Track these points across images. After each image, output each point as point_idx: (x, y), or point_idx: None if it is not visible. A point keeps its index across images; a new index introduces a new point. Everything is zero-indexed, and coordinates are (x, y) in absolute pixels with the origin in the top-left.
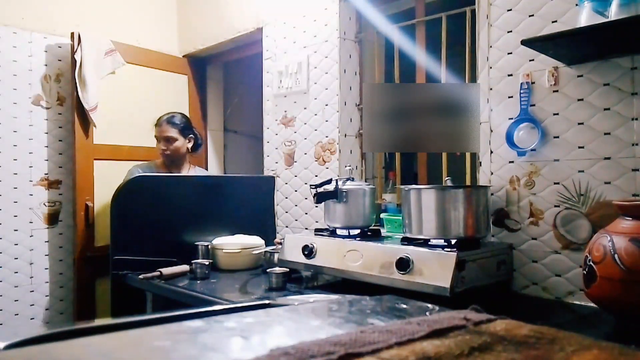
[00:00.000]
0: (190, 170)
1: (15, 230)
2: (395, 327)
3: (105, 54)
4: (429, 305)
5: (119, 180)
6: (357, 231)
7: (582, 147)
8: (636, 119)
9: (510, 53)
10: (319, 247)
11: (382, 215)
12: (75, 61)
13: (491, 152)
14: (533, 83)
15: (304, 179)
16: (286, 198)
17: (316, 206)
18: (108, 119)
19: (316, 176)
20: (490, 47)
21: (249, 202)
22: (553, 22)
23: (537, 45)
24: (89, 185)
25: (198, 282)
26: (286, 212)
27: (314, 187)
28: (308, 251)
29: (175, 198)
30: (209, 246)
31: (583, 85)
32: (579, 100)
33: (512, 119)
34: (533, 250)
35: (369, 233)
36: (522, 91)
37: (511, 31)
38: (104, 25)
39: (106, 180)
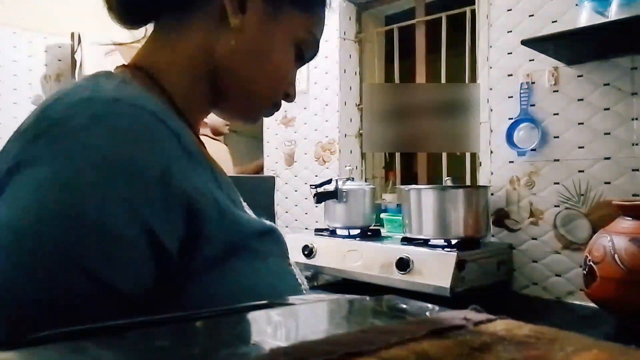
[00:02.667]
0: None
1: None
2: (395, 327)
3: (106, 55)
4: (429, 305)
5: None
6: (357, 231)
7: (582, 147)
8: (636, 119)
9: (510, 53)
10: (319, 247)
11: (382, 215)
12: (76, 61)
13: (491, 152)
14: (533, 83)
15: (304, 179)
16: (286, 198)
17: (316, 206)
18: None
19: (316, 176)
20: (490, 47)
21: (249, 202)
22: (553, 22)
23: (537, 45)
24: None
25: None
26: (286, 212)
27: (314, 187)
28: (308, 251)
29: None
30: None
31: (583, 85)
32: (579, 100)
33: (512, 118)
34: (533, 250)
35: (369, 233)
36: (522, 91)
37: (511, 31)
38: (104, 26)
39: None
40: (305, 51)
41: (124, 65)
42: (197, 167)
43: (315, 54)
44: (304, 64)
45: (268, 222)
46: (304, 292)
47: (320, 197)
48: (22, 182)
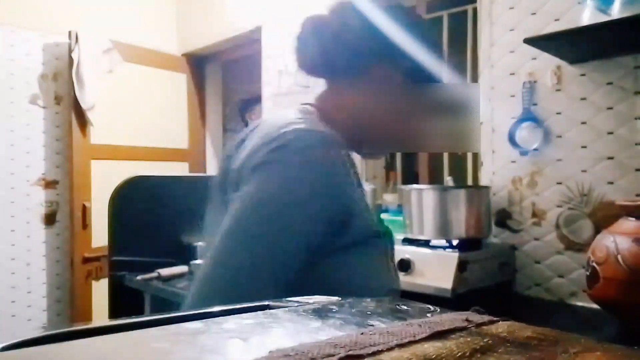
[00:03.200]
0: None
1: (12, 230)
2: (396, 328)
3: (103, 53)
4: (430, 307)
5: (117, 181)
6: None
7: (585, 147)
8: (639, 118)
9: (512, 52)
10: None
11: (383, 216)
12: (73, 60)
13: (493, 151)
14: (535, 82)
15: None
16: None
17: None
18: (106, 119)
19: None
20: (492, 45)
21: None
22: (555, 20)
23: (540, 44)
24: (86, 185)
25: None
26: None
27: None
28: None
29: (174, 198)
30: None
31: (586, 84)
32: (581, 99)
33: (514, 118)
34: (535, 251)
35: None
36: (524, 90)
37: (513, 29)
38: (102, 24)
39: (104, 181)
40: None
41: (309, 104)
42: (358, 184)
43: None
44: None
45: (386, 225)
46: (398, 287)
47: None
48: (271, 172)
